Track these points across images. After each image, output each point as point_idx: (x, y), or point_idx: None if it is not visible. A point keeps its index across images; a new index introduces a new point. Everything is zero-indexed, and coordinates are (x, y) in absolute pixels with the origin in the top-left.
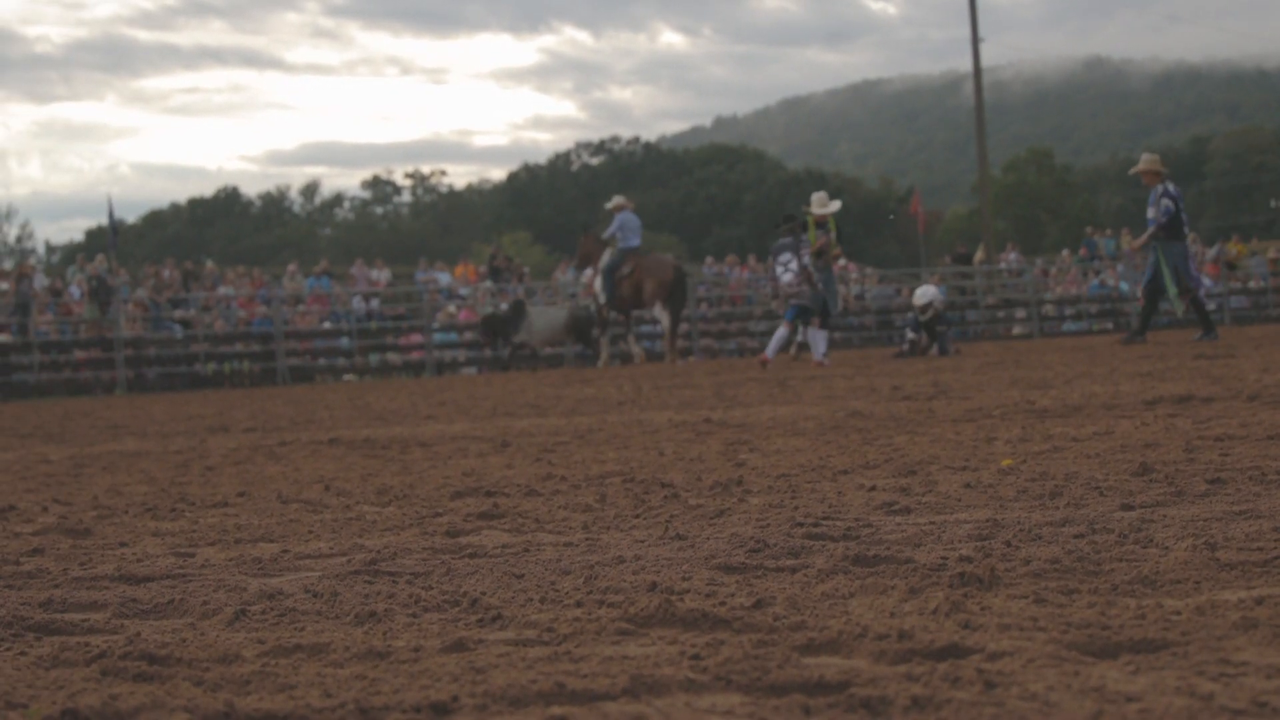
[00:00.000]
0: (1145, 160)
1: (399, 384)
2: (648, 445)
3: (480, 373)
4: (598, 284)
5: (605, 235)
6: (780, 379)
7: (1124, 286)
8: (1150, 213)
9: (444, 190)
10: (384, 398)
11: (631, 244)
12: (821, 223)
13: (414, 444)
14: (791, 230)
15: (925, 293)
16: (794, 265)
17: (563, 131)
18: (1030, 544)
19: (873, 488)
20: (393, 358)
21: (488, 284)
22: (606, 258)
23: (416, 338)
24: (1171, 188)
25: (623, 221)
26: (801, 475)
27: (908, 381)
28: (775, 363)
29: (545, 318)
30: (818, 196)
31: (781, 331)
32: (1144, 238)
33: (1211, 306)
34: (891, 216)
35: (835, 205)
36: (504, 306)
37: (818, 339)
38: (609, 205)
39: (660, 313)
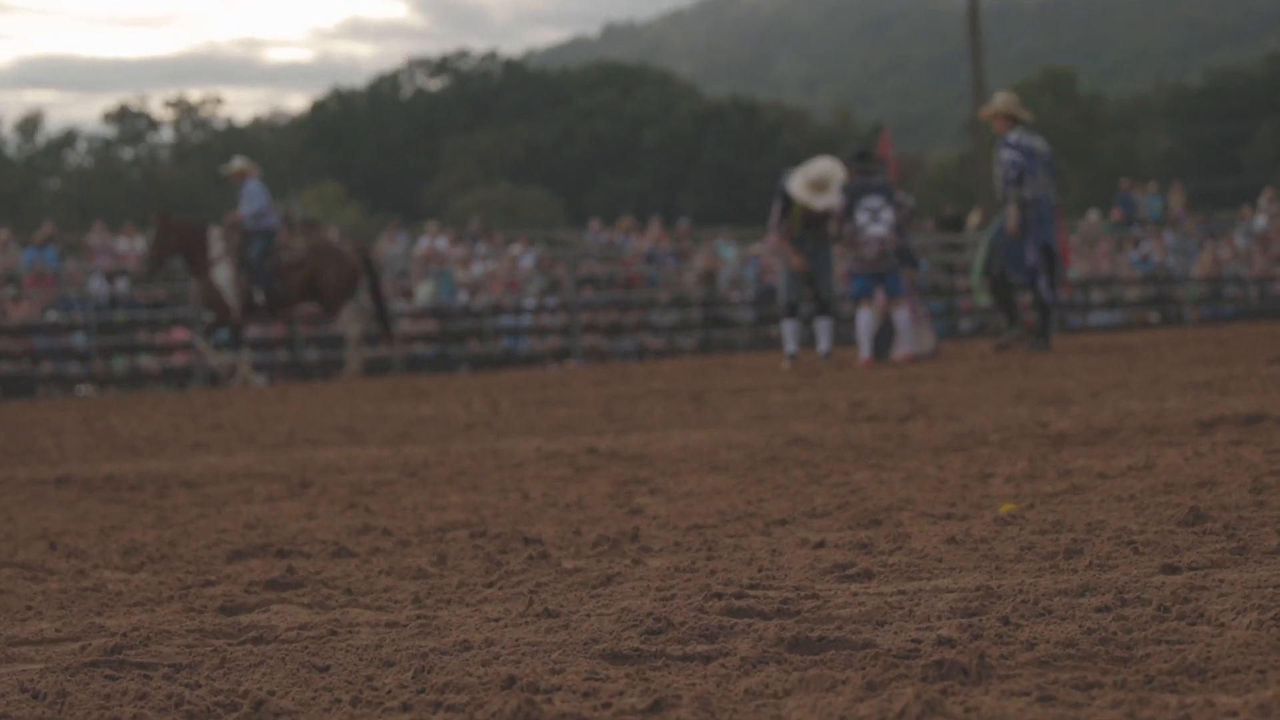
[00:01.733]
0: (1000, 101)
1: (156, 399)
2: (506, 485)
3: (272, 384)
4: (222, 277)
5: (246, 213)
6: (695, 392)
7: (1173, 263)
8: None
9: (220, 126)
10: (135, 419)
11: (269, 224)
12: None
13: (176, 484)
14: (867, 170)
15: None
16: (886, 215)
17: (390, 43)
18: (1036, 621)
19: (820, 544)
20: (147, 362)
21: None
22: (219, 247)
23: (181, 334)
24: (1013, 137)
25: (257, 195)
26: (721, 527)
27: (873, 394)
28: (871, 362)
29: None
30: (815, 175)
31: (865, 317)
32: (1011, 213)
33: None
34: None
35: (833, 199)
36: None
37: (824, 330)
38: (229, 170)
39: (348, 316)
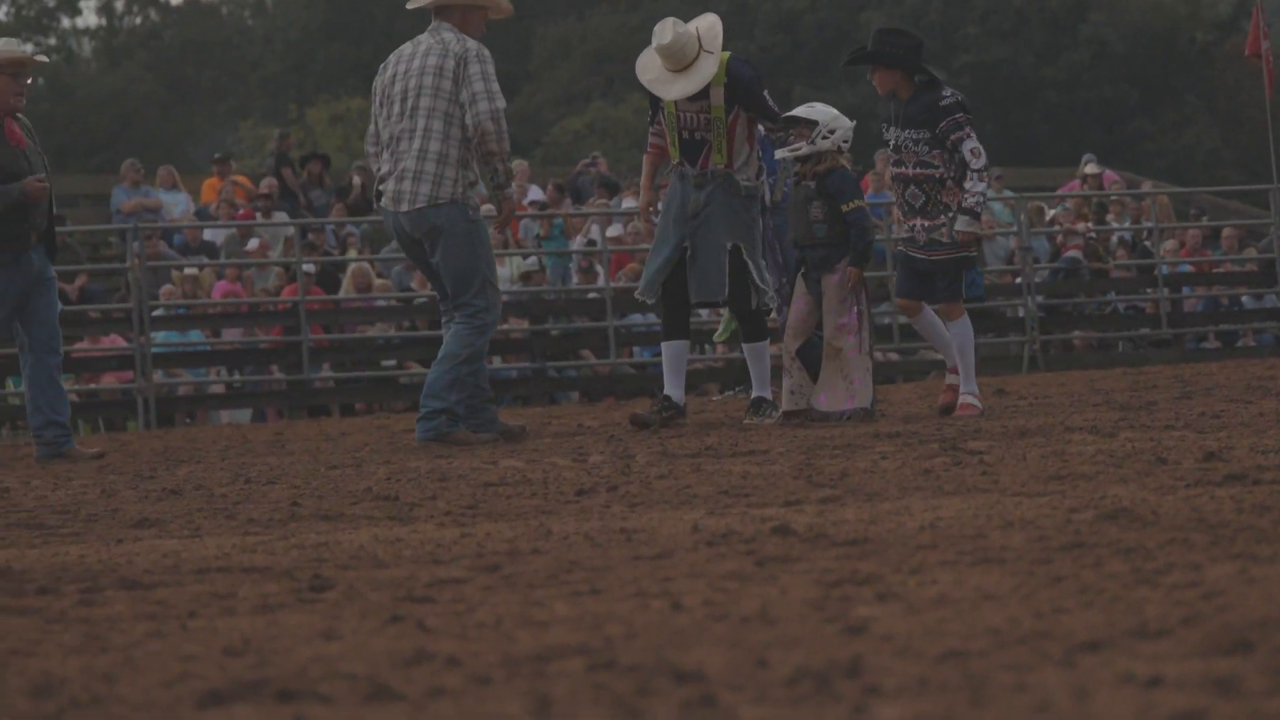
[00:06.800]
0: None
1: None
2: (645, 588)
3: (262, 418)
4: None
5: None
6: (947, 437)
7: None
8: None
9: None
10: (43, 478)
11: None
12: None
13: (113, 583)
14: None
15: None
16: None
17: None
18: None
19: (1155, 682)
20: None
21: (257, 235)
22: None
23: (117, 340)
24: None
25: None
26: (994, 655)
27: (1241, 440)
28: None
29: None
30: (664, 39)
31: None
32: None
33: None
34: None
35: (694, 82)
36: None
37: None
38: None
39: None
